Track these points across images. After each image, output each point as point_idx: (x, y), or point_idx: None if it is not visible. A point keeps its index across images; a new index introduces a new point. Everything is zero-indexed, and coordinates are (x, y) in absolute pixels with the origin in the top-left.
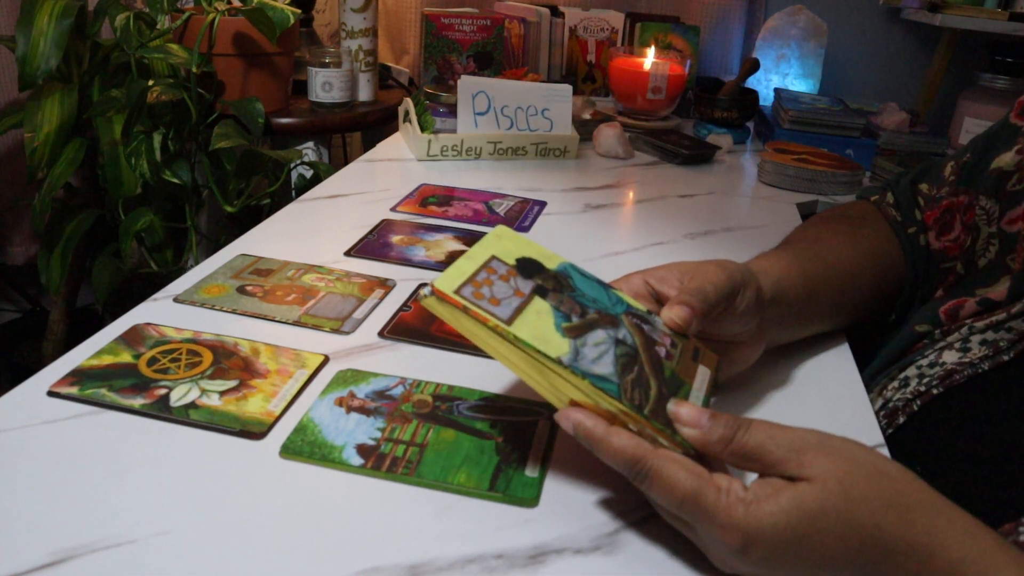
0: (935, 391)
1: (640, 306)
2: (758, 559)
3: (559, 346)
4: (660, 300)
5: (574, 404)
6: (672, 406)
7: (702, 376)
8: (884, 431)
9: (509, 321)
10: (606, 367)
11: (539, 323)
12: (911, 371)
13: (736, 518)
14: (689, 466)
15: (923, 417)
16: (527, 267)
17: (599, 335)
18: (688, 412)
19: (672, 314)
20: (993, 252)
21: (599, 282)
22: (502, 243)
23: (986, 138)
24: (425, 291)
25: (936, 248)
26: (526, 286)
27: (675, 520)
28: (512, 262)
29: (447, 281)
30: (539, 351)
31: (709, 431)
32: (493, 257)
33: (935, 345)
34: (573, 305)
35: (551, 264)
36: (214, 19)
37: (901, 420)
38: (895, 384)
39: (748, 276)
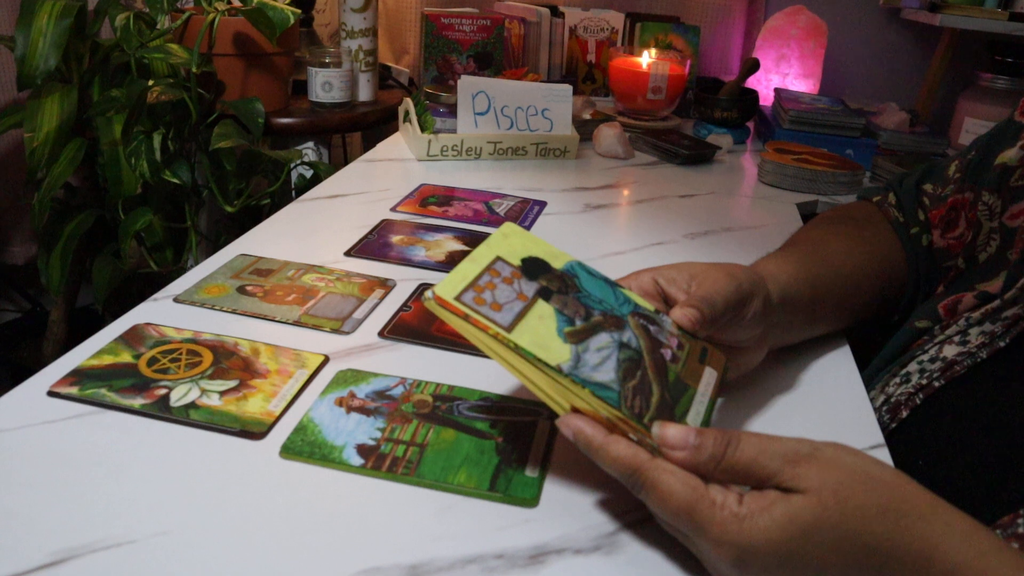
0: (936, 384)
1: (648, 305)
2: (754, 573)
3: (560, 353)
4: (668, 302)
5: (575, 410)
6: (657, 429)
7: (708, 378)
8: (887, 426)
9: (510, 328)
10: (607, 374)
11: (540, 329)
12: (912, 366)
13: (730, 534)
14: (685, 478)
15: (926, 410)
16: (532, 268)
17: (602, 339)
18: (674, 434)
19: (680, 315)
20: (994, 247)
21: (607, 281)
22: (508, 242)
23: (990, 135)
24: (428, 293)
25: (940, 246)
26: (530, 288)
27: (673, 530)
28: (517, 263)
29: (448, 287)
30: (539, 359)
31: (698, 451)
32: (498, 258)
33: (935, 340)
34: (578, 307)
35: (557, 263)
36: (214, 19)
37: (904, 414)
38: (897, 380)
39: (757, 284)
